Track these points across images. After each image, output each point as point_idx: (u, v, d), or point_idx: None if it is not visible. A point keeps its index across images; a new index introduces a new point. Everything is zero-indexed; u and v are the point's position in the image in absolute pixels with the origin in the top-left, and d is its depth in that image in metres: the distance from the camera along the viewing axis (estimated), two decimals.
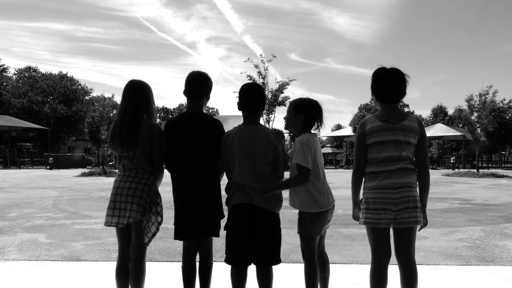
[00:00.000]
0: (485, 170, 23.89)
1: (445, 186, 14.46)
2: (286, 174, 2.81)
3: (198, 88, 2.85)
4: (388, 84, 2.63)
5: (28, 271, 4.05)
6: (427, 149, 2.70)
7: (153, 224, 2.75)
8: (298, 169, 2.65)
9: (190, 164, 2.75)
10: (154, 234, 2.75)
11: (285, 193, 2.80)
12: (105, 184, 15.33)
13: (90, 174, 21.39)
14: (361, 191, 2.72)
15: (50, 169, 28.82)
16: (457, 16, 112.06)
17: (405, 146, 2.55)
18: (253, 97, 2.75)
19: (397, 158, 2.54)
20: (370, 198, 2.58)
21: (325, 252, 2.98)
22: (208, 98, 2.92)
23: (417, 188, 2.61)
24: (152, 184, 2.77)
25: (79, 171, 23.65)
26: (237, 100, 2.75)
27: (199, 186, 2.74)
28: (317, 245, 2.78)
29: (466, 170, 24.99)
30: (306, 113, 2.83)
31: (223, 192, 2.86)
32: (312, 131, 2.90)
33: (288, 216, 6.74)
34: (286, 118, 2.90)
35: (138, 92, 2.79)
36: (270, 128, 3.02)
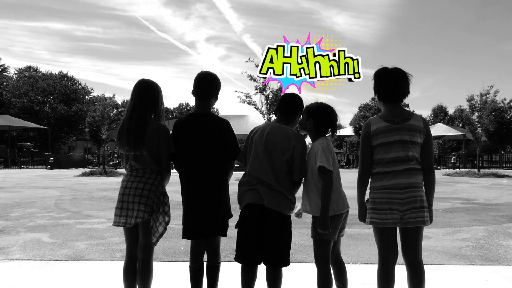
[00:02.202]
0: (486, 170, 23.88)
1: (446, 186, 14.45)
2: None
3: (207, 89, 2.87)
4: (390, 83, 2.62)
5: (33, 271, 4.05)
6: (432, 148, 2.69)
7: (160, 224, 2.75)
8: (323, 171, 2.57)
9: (199, 164, 2.75)
10: (161, 234, 2.75)
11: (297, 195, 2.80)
12: (106, 184, 15.33)
13: (91, 174, 21.37)
14: (367, 191, 2.71)
15: (51, 168, 28.83)
16: (457, 16, 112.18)
17: (411, 146, 2.55)
18: (291, 103, 2.89)
19: (403, 159, 2.54)
20: (376, 198, 2.57)
21: (341, 259, 2.87)
22: (216, 98, 2.93)
23: (423, 187, 2.61)
24: (160, 184, 2.77)
25: (80, 171, 23.64)
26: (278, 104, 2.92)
27: (207, 186, 2.74)
28: (330, 250, 2.71)
29: (467, 170, 24.99)
30: (316, 117, 2.79)
31: (231, 192, 2.87)
32: (327, 136, 2.83)
33: (291, 216, 6.72)
34: (299, 122, 2.92)
35: (147, 91, 2.79)
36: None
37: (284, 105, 2.87)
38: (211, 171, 2.74)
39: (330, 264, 2.71)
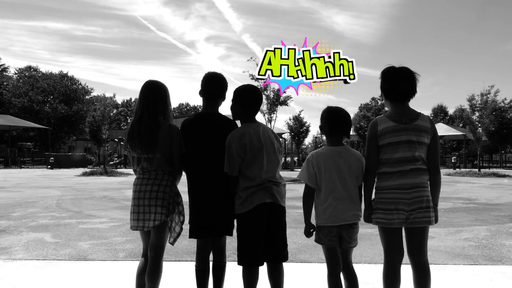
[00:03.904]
0: (487, 170, 23.87)
1: (447, 186, 14.44)
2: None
3: (215, 89, 2.88)
4: (396, 82, 2.62)
5: (36, 270, 4.05)
6: (439, 149, 2.69)
7: (177, 224, 2.77)
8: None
9: (206, 163, 2.76)
10: (179, 234, 2.77)
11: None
12: (107, 184, 15.32)
13: (92, 173, 21.35)
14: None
15: (51, 168, 28.80)
16: (457, 15, 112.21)
17: (418, 146, 2.54)
18: (259, 100, 2.90)
19: (410, 159, 2.53)
20: (382, 198, 2.57)
21: (352, 268, 2.70)
22: (223, 98, 2.94)
23: (429, 187, 2.61)
24: (172, 185, 2.77)
25: (80, 170, 23.62)
26: (241, 102, 2.81)
27: (215, 185, 2.74)
28: (335, 258, 2.63)
29: (468, 169, 24.97)
30: (326, 121, 2.74)
31: None
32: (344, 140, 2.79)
33: (293, 216, 6.71)
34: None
35: (155, 93, 2.77)
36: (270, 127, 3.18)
37: (258, 105, 2.88)
38: (219, 170, 2.74)
39: (338, 268, 2.63)
